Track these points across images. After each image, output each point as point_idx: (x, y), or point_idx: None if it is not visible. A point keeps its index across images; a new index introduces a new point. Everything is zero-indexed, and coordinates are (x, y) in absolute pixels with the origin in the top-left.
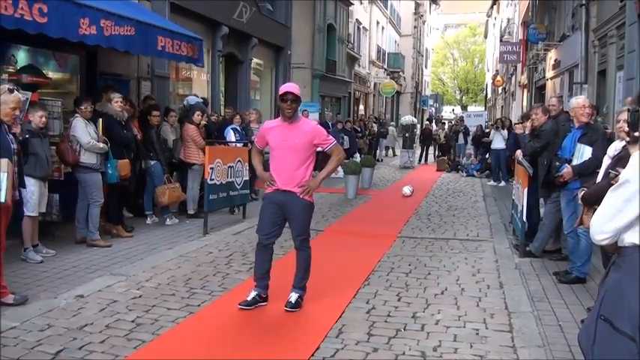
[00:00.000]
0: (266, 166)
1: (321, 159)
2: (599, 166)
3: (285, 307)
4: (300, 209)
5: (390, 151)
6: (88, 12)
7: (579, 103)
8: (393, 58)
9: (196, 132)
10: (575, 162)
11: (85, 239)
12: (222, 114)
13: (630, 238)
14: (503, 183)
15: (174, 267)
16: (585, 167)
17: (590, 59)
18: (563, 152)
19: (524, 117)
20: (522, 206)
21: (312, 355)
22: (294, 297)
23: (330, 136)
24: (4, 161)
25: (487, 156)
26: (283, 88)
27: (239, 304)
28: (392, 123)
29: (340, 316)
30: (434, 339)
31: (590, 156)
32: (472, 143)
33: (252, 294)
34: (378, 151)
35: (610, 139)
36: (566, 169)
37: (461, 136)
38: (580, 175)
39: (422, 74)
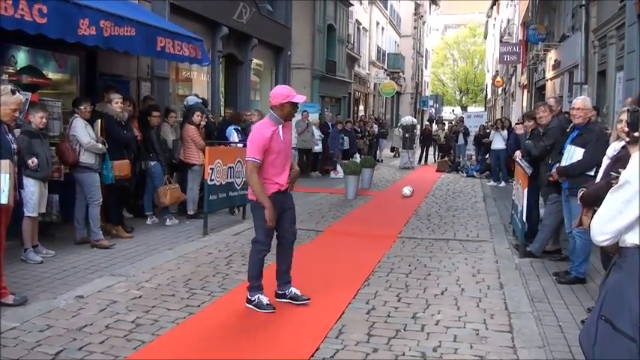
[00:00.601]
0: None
1: (321, 158)
2: (591, 168)
3: (296, 301)
4: (292, 201)
5: (396, 152)
6: (88, 13)
7: (572, 104)
8: (392, 59)
9: (196, 132)
10: (563, 163)
11: (85, 239)
12: (223, 114)
13: (631, 239)
14: (503, 183)
15: (174, 267)
16: (572, 169)
17: (590, 60)
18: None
19: (526, 117)
20: (522, 207)
21: (312, 355)
22: (296, 289)
23: None
24: (5, 162)
25: (487, 156)
26: (296, 97)
27: (265, 309)
28: (399, 124)
29: (340, 317)
30: (434, 339)
31: (580, 157)
32: (473, 143)
33: (265, 298)
34: (378, 152)
35: (606, 141)
36: (554, 169)
37: (461, 136)
38: (567, 175)
39: (422, 75)
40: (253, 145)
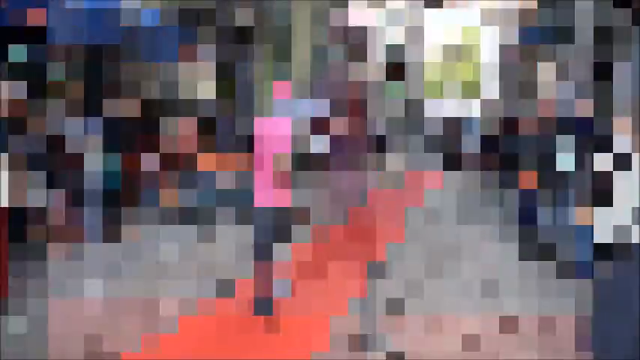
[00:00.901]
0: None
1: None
2: (589, 168)
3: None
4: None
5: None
6: (88, 12)
7: (572, 104)
8: (394, 56)
9: (196, 132)
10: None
11: (89, 238)
12: (222, 114)
13: (631, 238)
14: (505, 183)
15: (176, 266)
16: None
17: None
18: None
19: (527, 117)
20: (524, 206)
21: (312, 355)
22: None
23: None
24: (6, 163)
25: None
26: (297, 93)
27: (266, 309)
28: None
29: (340, 316)
30: (434, 339)
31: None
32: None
33: (266, 297)
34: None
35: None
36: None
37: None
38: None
39: (423, 73)
40: (271, 144)
